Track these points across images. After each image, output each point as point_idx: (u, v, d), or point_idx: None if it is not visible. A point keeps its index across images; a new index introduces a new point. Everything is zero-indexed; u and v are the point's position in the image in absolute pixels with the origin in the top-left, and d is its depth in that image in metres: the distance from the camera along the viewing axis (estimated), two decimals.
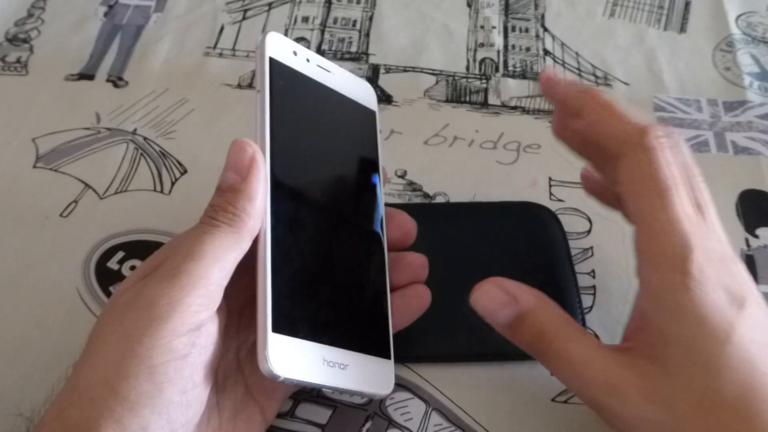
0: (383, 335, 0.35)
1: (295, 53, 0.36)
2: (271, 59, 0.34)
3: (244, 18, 0.57)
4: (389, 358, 0.35)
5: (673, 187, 0.30)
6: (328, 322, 0.33)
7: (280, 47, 0.35)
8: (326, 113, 0.37)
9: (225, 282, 0.30)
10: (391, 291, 0.36)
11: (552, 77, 0.35)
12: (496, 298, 0.33)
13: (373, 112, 0.39)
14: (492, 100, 0.52)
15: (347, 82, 0.38)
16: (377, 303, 0.35)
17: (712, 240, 0.30)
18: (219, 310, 0.30)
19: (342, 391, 0.34)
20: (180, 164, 0.48)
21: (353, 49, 0.55)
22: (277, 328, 0.30)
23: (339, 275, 0.34)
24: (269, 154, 0.32)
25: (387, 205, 0.38)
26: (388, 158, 0.39)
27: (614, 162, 0.32)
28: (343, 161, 0.37)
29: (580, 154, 0.36)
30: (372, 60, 0.54)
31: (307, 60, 0.36)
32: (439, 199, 0.46)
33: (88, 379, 0.27)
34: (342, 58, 0.54)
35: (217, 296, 0.30)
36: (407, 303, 0.36)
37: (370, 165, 0.38)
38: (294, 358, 0.30)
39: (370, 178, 0.38)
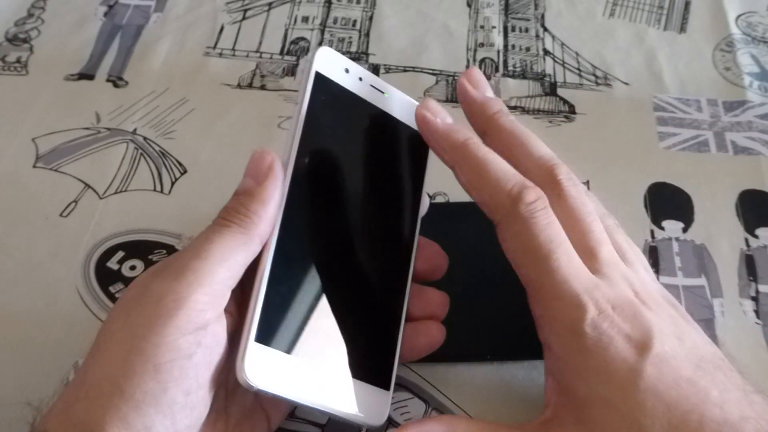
0: (386, 365, 0.34)
1: (347, 70, 0.35)
2: (317, 74, 0.34)
3: (244, 18, 0.57)
4: (388, 389, 0.33)
5: (554, 249, 0.30)
6: (324, 343, 0.32)
7: (331, 63, 0.34)
8: (370, 134, 0.36)
9: (232, 283, 0.30)
10: (407, 322, 0.35)
11: (426, 119, 0.34)
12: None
13: None
14: None
15: (401, 105, 0.37)
16: (386, 332, 0.34)
17: (605, 290, 0.31)
18: (229, 314, 0.30)
19: (325, 414, 0.33)
20: (180, 164, 0.48)
21: (353, 49, 0.55)
22: (260, 338, 0.30)
23: (349, 298, 0.33)
24: (293, 167, 0.32)
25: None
26: None
27: (497, 230, 0.33)
28: (379, 184, 0.36)
29: None
30: (372, 60, 0.54)
31: (360, 78, 0.35)
32: (439, 199, 0.46)
33: (94, 375, 0.28)
34: None
35: (223, 296, 0.30)
36: (416, 339, 0.35)
37: (410, 191, 0.37)
38: (274, 371, 0.30)
39: (408, 205, 0.37)
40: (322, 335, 0.32)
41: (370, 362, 0.33)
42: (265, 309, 0.30)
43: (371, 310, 0.34)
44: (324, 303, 0.33)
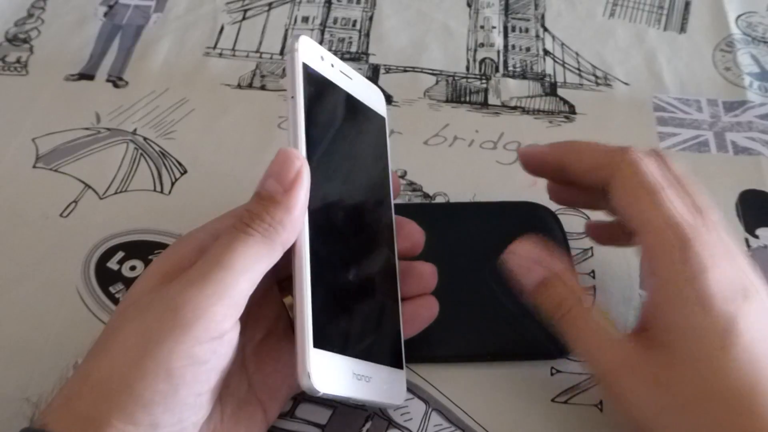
0: (396, 346, 0.35)
1: (322, 58, 0.35)
2: (303, 65, 0.33)
3: (244, 18, 0.57)
4: (402, 368, 0.35)
5: (660, 189, 0.32)
6: (355, 336, 0.33)
7: (311, 52, 0.34)
8: (348, 121, 0.36)
9: (250, 291, 0.29)
10: (402, 300, 0.36)
11: (526, 151, 0.38)
12: (531, 253, 0.34)
13: (383, 118, 0.39)
14: (492, 100, 0.52)
15: (362, 88, 0.37)
16: (391, 314, 0.35)
17: (711, 235, 0.32)
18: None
19: (365, 403, 0.34)
20: (180, 164, 0.48)
21: (353, 49, 0.55)
22: (316, 344, 0.29)
23: (363, 288, 0.34)
24: None
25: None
26: None
27: (608, 189, 0.34)
28: (362, 171, 0.36)
29: (584, 206, 0.40)
30: (372, 60, 0.54)
31: (332, 65, 0.35)
32: (439, 199, 0.46)
33: (101, 372, 0.28)
34: (342, 59, 0.54)
35: (242, 306, 0.29)
36: (415, 313, 0.36)
37: (382, 173, 0.37)
38: (330, 373, 0.30)
39: (383, 186, 0.37)
40: (354, 328, 0.33)
41: (387, 346, 0.34)
42: (315, 315, 0.30)
43: (380, 294, 0.35)
44: (349, 297, 0.33)
